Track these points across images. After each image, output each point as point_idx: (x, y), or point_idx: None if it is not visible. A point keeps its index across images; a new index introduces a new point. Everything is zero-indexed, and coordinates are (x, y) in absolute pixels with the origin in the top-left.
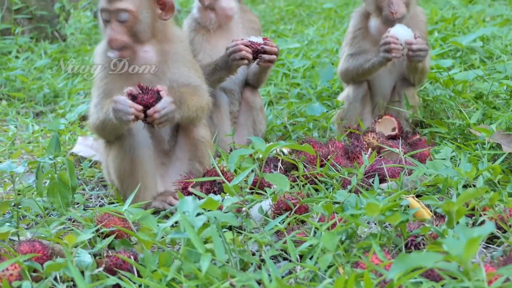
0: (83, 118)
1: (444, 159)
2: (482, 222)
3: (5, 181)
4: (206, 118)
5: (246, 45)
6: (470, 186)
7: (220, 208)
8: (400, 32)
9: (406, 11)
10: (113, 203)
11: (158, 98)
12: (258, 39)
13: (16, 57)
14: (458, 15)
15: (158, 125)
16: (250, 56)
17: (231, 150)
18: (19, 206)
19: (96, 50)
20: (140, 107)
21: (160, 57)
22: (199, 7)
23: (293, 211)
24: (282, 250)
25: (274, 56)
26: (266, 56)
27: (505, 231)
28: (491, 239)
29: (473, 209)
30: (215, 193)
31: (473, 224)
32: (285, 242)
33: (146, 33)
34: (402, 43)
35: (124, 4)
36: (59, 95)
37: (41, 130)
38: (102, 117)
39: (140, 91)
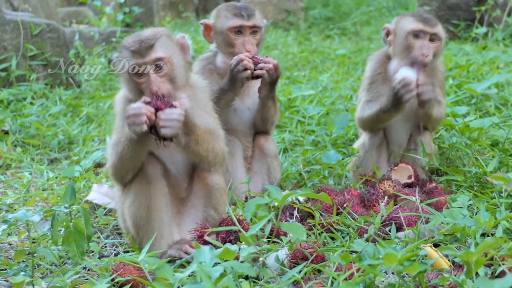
0: (98, 165)
1: (461, 207)
2: (501, 272)
3: (20, 229)
4: (222, 167)
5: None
6: (488, 235)
7: (236, 258)
8: (407, 73)
9: (432, 59)
10: (128, 251)
11: (172, 107)
12: (261, 57)
13: (31, 103)
14: (472, 62)
15: (161, 131)
16: (252, 65)
17: (246, 198)
18: (34, 255)
19: (117, 98)
20: (152, 109)
21: (190, 103)
22: (225, 57)
23: (309, 261)
24: None
25: (271, 65)
26: (262, 64)
27: None
28: None
29: (491, 258)
30: (231, 241)
31: (492, 274)
32: None
33: (182, 77)
34: (413, 84)
35: (159, 53)
36: (74, 142)
37: (56, 177)
38: (119, 148)
39: (156, 99)
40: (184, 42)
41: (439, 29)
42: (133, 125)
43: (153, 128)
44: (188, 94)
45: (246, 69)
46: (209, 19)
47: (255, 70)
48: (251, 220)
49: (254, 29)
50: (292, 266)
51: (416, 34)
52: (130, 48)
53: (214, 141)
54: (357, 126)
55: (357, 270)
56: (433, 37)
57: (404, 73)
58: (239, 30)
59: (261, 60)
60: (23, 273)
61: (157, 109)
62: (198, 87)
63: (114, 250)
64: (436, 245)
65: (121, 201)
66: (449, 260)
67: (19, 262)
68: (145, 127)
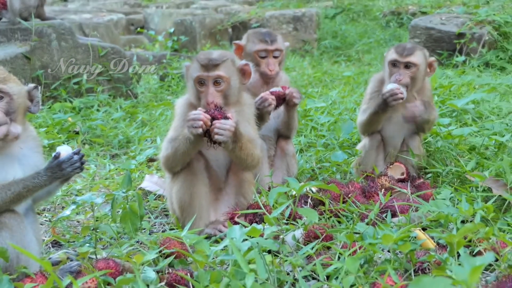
0: (150, 160)
1: (444, 199)
2: (478, 252)
3: (86, 210)
4: (254, 170)
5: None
6: (467, 222)
7: (261, 235)
8: (392, 86)
9: (409, 82)
10: (173, 229)
11: (225, 118)
12: (278, 89)
13: (97, 110)
14: (453, 83)
15: (215, 137)
16: (274, 102)
17: (269, 188)
18: (97, 230)
19: (178, 101)
20: (209, 117)
21: (238, 116)
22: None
23: (320, 239)
24: (312, 271)
25: (295, 95)
26: (289, 97)
27: (497, 260)
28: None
29: (470, 241)
30: (257, 222)
31: (470, 253)
32: (314, 265)
33: (234, 97)
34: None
35: (221, 72)
36: (131, 141)
37: (116, 169)
38: (176, 144)
39: (214, 108)
40: (247, 68)
41: (413, 58)
42: (191, 128)
43: (207, 132)
44: (237, 109)
45: (270, 104)
46: (240, 41)
47: (278, 104)
48: (273, 205)
49: (276, 51)
50: (306, 243)
51: (393, 63)
52: (200, 62)
53: (253, 149)
54: (358, 131)
55: (360, 248)
56: (408, 65)
57: (390, 86)
58: (264, 55)
59: (281, 93)
60: (87, 245)
61: (213, 118)
62: (245, 104)
63: (162, 228)
64: (424, 229)
65: (170, 187)
66: (434, 241)
67: (85, 236)
68: (200, 131)
